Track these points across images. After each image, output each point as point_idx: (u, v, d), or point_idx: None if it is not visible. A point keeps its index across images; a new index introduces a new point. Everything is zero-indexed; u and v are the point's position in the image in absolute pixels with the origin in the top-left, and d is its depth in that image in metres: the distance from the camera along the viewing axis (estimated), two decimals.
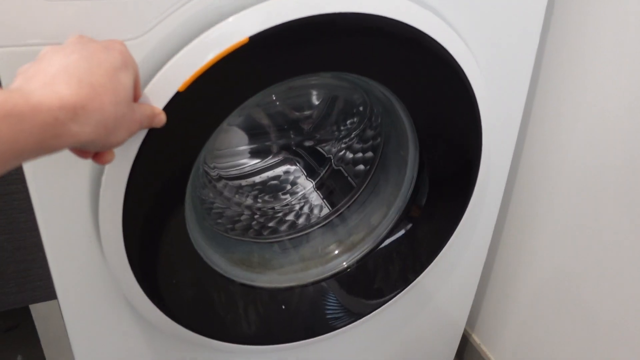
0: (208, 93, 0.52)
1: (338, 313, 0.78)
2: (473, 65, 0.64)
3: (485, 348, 1.04)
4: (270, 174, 0.91)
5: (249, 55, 0.51)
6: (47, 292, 0.85)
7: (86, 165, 0.54)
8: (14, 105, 0.33)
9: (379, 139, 0.83)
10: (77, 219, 0.57)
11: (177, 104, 0.51)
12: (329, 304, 0.78)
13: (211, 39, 0.50)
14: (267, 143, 0.88)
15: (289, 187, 0.91)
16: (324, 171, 0.90)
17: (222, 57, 0.50)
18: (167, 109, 0.50)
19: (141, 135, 0.51)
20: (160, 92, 0.50)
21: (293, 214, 0.89)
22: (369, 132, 0.85)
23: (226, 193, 0.87)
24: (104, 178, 0.54)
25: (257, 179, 0.90)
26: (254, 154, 0.89)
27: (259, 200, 0.88)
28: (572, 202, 0.78)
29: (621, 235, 0.71)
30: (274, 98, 0.81)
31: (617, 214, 0.71)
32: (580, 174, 0.76)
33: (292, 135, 0.89)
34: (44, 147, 0.35)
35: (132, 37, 0.50)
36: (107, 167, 0.53)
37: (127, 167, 0.52)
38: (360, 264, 0.79)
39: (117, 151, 0.52)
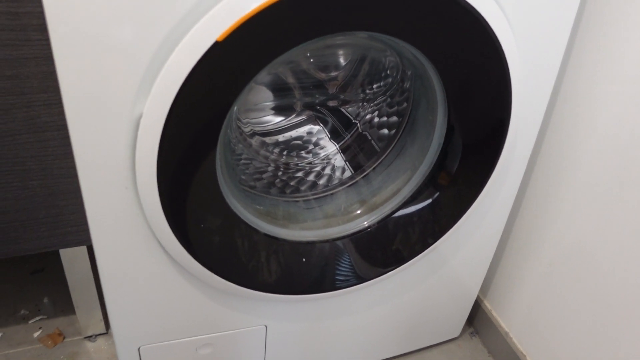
0: (246, 45, 0.53)
1: (354, 271, 0.80)
2: (506, 27, 0.64)
3: (496, 314, 1.06)
4: (293, 133, 0.93)
5: (287, 9, 0.52)
6: (78, 237, 0.88)
7: (125, 111, 0.56)
8: None
9: (405, 104, 0.84)
10: (114, 164, 0.59)
11: (215, 53, 0.52)
12: (348, 260, 0.80)
13: None
14: (292, 100, 0.90)
15: (311, 147, 0.93)
16: (349, 135, 0.91)
17: (262, 10, 0.51)
18: (205, 58, 0.52)
19: (178, 84, 0.53)
20: (199, 41, 0.52)
21: (314, 174, 0.90)
22: (397, 97, 0.86)
23: (255, 147, 0.88)
24: (141, 126, 0.56)
25: (281, 137, 0.92)
26: (278, 111, 0.90)
27: (284, 154, 0.90)
28: (596, 174, 0.78)
29: (637, 214, 0.71)
30: (309, 55, 0.81)
31: (636, 194, 0.71)
32: (607, 147, 0.76)
33: (316, 95, 0.90)
34: None
35: None
36: (144, 114, 0.55)
37: (163, 113, 0.54)
38: (381, 225, 0.80)
39: (154, 96, 0.54)
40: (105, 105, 0.55)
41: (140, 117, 0.56)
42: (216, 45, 0.52)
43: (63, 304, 1.13)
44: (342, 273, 0.79)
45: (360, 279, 0.80)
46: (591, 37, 0.76)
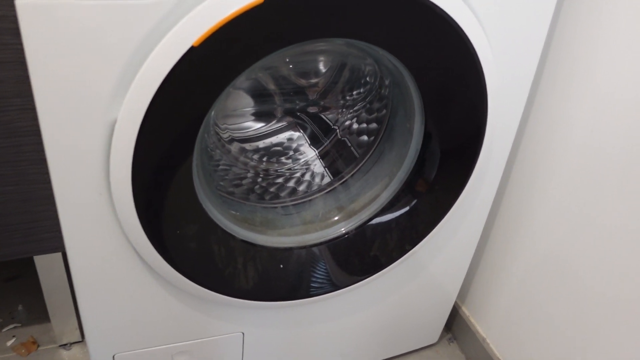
0: (222, 50, 0.53)
1: (329, 278, 0.80)
2: (482, 36, 0.65)
3: (474, 320, 1.07)
4: (273, 139, 0.93)
5: (263, 15, 0.53)
6: (53, 243, 0.87)
7: (99, 116, 0.55)
8: None
9: (384, 111, 0.84)
10: (88, 170, 0.59)
11: (191, 59, 0.52)
12: (324, 267, 0.80)
13: None
14: (272, 106, 0.90)
15: (291, 153, 0.93)
16: (328, 141, 0.92)
17: (238, 15, 0.51)
18: (181, 63, 0.52)
19: (154, 89, 0.53)
20: (175, 46, 0.52)
21: (294, 180, 0.90)
22: (376, 104, 0.86)
23: (234, 153, 0.88)
24: (116, 128, 0.55)
25: (261, 144, 0.92)
26: (258, 117, 0.90)
27: (263, 161, 0.90)
28: (571, 182, 0.80)
29: (617, 219, 0.72)
30: (287, 60, 0.82)
31: (615, 199, 0.72)
32: (581, 155, 0.77)
33: (296, 101, 0.90)
34: None
35: None
36: (119, 120, 0.55)
37: (138, 119, 0.54)
38: (359, 232, 0.81)
39: (129, 102, 0.53)
40: (79, 110, 0.55)
41: (114, 122, 0.55)
42: (192, 50, 0.52)
43: (38, 312, 1.11)
44: (318, 280, 0.79)
45: (335, 286, 0.80)
46: (565, 47, 0.78)
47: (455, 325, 1.13)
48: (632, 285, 0.71)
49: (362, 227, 0.81)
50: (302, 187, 0.89)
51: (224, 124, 0.86)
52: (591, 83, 0.74)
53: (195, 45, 0.52)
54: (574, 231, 0.80)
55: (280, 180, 0.91)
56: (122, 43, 0.52)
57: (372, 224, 0.81)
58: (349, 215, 0.81)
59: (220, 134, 0.85)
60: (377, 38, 0.61)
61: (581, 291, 0.80)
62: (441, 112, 0.71)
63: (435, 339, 1.09)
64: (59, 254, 0.93)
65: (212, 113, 0.80)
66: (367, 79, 0.86)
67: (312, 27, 0.56)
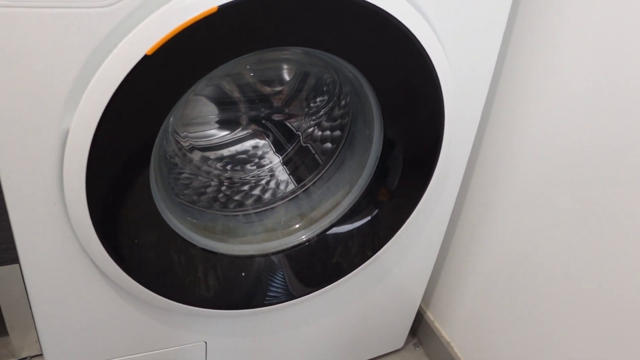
0: (176, 59, 0.53)
1: (286, 288, 0.81)
2: (437, 44, 0.66)
3: (438, 325, 1.09)
4: (238, 147, 0.92)
5: (217, 24, 0.53)
6: (9, 255, 0.85)
7: (52, 125, 0.54)
8: None
9: (347, 118, 0.85)
10: (41, 180, 0.58)
11: (145, 68, 0.52)
12: (283, 275, 0.80)
13: (182, 5, 0.51)
14: (237, 114, 0.90)
15: (256, 160, 0.93)
16: (291, 147, 0.92)
17: (191, 24, 0.51)
18: (134, 72, 0.52)
19: (107, 97, 0.52)
20: (128, 54, 0.51)
21: (259, 188, 0.90)
22: (337, 111, 0.87)
23: (196, 162, 0.88)
24: (68, 141, 0.54)
25: (226, 152, 0.92)
26: (223, 125, 0.90)
27: (228, 169, 0.90)
28: (527, 186, 0.82)
29: (570, 219, 0.75)
30: (248, 68, 0.82)
31: (569, 200, 0.75)
32: (537, 159, 0.79)
33: (261, 109, 0.90)
34: None
35: (105, 5, 0.50)
36: (72, 129, 0.54)
37: (91, 128, 0.53)
38: (320, 239, 0.81)
39: (82, 110, 0.53)
40: (31, 119, 0.54)
41: (67, 131, 0.54)
42: (146, 59, 0.52)
43: None
44: (274, 289, 0.79)
45: (291, 295, 0.80)
46: (519, 52, 0.80)
47: (420, 329, 1.14)
48: (589, 280, 0.73)
49: (324, 235, 0.81)
50: (267, 195, 0.89)
51: (184, 132, 0.85)
52: (547, 86, 0.76)
53: (149, 54, 0.51)
54: (534, 232, 0.82)
55: (245, 187, 0.90)
56: (75, 52, 0.51)
57: (333, 231, 0.81)
58: (310, 223, 0.81)
59: (181, 142, 0.85)
60: (333, 47, 0.61)
61: (541, 292, 0.81)
62: (399, 120, 0.72)
63: (400, 344, 1.10)
64: (17, 266, 0.91)
65: (171, 121, 0.80)
66: (329, 86, 0.86)
67: (267, 36, 0.56)
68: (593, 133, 0.69)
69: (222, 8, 0.52)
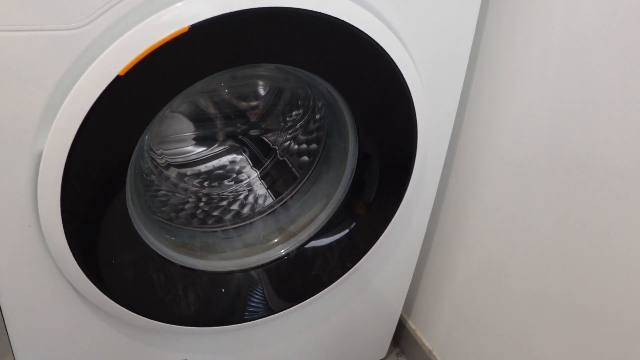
0: (148, 79, 0.54)
1: (265, 303, 0.81)
2: (409, 63, 0.67)
3: (420, 333, 1.09)
4: (216, 163, 0.93)
5: (189, 44, 0.53)
6: None
7: (25, 147, 0.54)
8: None
9: (322, 131, 0.86)
10: (15, 202, 0.57)
11: (117, 88, 0.52)
12: (262, 290, 0.80)
13: (153, 26, 0.52)
14: (214, 130, 0.90)
15: (234, 175, 0.93)
16: (268, 161, 0.93)
17: (163, 44, 0.52)
18: (107, 92, 0.52)
19: (80, 118, 0.53)
20: (100, 75, 0.52)
21: (238, 203, 0.91)
22: (313, 125, 0.88)
23: (173, 179, 0.88)
24: (42, 162, 0.54)
25: (203, 168, 0.92)
26: (200, 141, 0.90)
27: (205, 185, 0.90)
28: (500, 195, 0.83)
29: (542, 227, 0.76)
30: (223, 85, 0.82)
31: (540, 208, 0.76)
32: (508, 170, 0.81)
33: (238, 124, 0.91)
34: None
35: (76, 27, 0.51)
36: (46, 150, 0.54)
37: (65, 149, 0.54)
38: (300, 252, 0.81)
39: (55, 131, 0.53)
40: (4, 141, 0.54)
41: (41, 153, 0.54)
42: (118, 80, 0.52)
43: None
44: (254, 304, 0.79)
45: (270, 310, 0.80)
46: (487, 64, 0.82)
47: (402, 339, 1.14)
48: (559, 287, 0.75)
49: (302, 248, 0.81)
50: (245, 210, 0.90)
51: (160, 149, 0.86)
52: (515, 97, 0.78)
53: (121, 74, 0.52)
54: (505, 240, 0.83)
55: (223, 203, 0.91)
56: (47, 73, 0.52)
57: (312, 244, 0.82)
58: (289, 237, 0.82)
59: (157, 160, 0.85)
60: (304, 63, 0.62)
61: (515, 299, 0.83)
62: (374, 133, 0.73)
63: (383, 354, 1.11)
64: None
65: (147, 138, 0.80)
66: (302, 101, 0.87)
67: (238, 54, 0.57)
68: (561, 140, 0.71)
69: (193, 27, 0.52)
